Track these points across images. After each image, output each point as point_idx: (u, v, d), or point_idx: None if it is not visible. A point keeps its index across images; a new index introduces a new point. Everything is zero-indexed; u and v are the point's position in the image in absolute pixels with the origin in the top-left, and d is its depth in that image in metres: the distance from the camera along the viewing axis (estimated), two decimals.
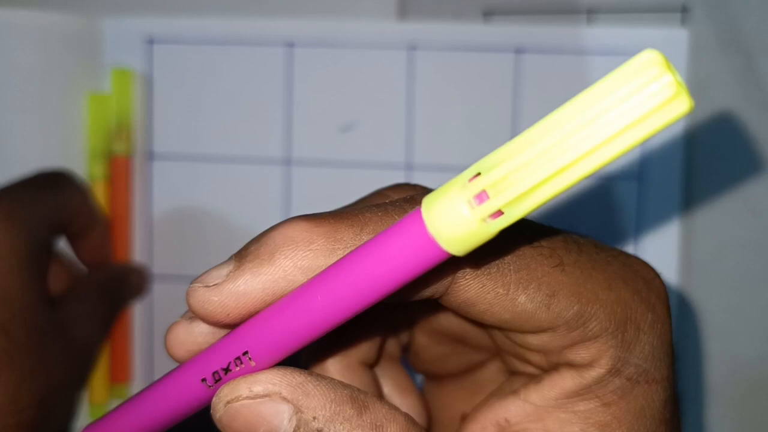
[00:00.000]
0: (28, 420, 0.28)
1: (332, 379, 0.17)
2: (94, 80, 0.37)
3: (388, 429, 0.17)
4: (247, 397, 0.17)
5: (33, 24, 0.36)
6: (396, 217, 0.17)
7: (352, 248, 0.17)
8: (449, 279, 0.17)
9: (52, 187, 0.33)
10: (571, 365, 0.18)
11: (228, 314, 0.17)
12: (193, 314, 0.18)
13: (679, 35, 0.36)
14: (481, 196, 0.14)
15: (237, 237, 0.38)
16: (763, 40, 0.37)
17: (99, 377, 0.38)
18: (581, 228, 0.37)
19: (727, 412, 0.38)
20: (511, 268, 0.17)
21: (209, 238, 0.38)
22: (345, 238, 0.17)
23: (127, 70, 0.37)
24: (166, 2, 0.38)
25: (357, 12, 0.37)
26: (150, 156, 0.38)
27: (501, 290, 0.17)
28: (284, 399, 0.17)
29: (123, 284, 0.36)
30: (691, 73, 0.37)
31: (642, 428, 0.18)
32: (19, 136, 0.36)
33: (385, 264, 0.15)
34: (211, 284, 0.17)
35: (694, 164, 0.37)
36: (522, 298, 0.17)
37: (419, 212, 0.15)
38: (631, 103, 0.13)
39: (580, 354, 0.18)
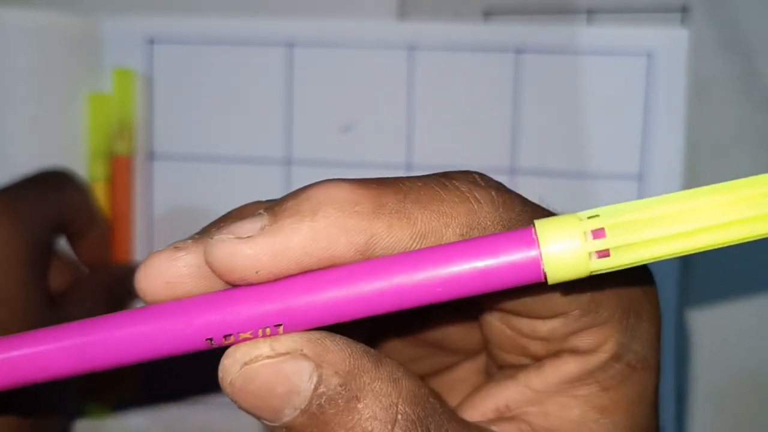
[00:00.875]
0: (27, 420, 0.28)
1: (341, 336, 0.16)
2: (94, 80, 0.37)
3: (404, 383, 0.17)
4: (268, 357, 0.16)
5: (33, 24, 0.36)
6: (437, 188, 0.17)
7: (396, 214, 0.16)
8: None
9: (52, 187, 0.33)
10: (574, 351, 0.18)
11: (257, 271, 0.16)
12: (212, 266, 0.16)
13: (679, 35, 0.37)
14: (598, 233, 0.15)
15: None
16: (763, 40, 0.37)
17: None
18: None
19: (726, 415, 0.38)
20: None
21: None
22: (389, 204, 0.16)
23: (129, 70, 0.37)
24: (166, 2, 0.38)
25: (357, 12, 0.37)
26: (150, 156, 0.38)
27: None
28: (305, 356, 0.16)
29: (123, 285, 0.36)
30: (692, 73, 0.37)
31: (638, 412, 0.18)
32: (20, 136, 0.37)
33: (476, 270, 0.15)
34: (244, 236, 0.16)
35: (694, 164, 0.37)
36: None
37: (531, 230, 0.15)
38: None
39: (586, 339, 0.18)
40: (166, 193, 0.38)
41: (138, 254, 0.38)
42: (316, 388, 0.16)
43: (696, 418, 0.38)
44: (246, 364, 0.16)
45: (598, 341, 0.18)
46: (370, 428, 0.16)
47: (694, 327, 0.38)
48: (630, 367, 0.18)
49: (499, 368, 0.21)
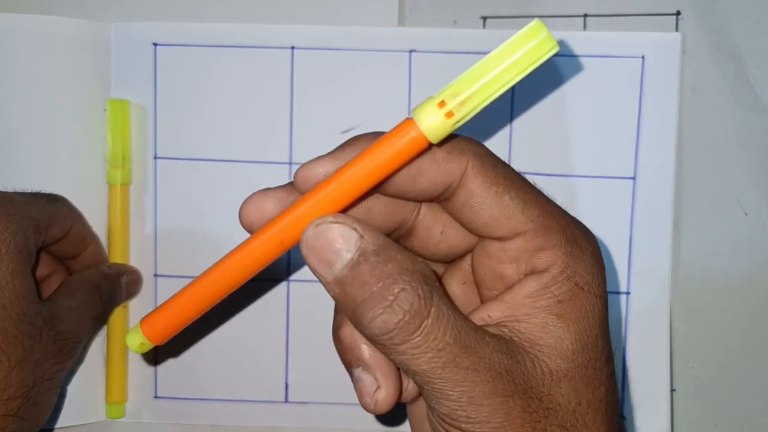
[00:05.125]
0: (14, 409, 0.30)
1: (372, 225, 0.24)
2: (107, 85, 0.38)
3: (419, 263, 0.24)
4: (332, 222, 0.23)
5: (48, 29, 0.37)
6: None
7: None
8: (460, 175, 0.25)
9: (44, 198, 0.34)
10: (534, 271, 0.25)
11: (324, 174, 0.25)
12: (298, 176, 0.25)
13: (672, 39, 0.37)
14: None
15: (238, 237, 0.38)
16: (754, 44, 0.37)
17: (117, 377, 0.38)
18: None
19: (717, 408, 0.39)
20: (501, 174, 0.25)
21: (212, 238, 0.39)
22: None
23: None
24: (172, 9, 0.38)
25: (359, 18, 0.38)
26: (154, 157, 0.39)
27: (495, 188, 0.25)
28: (354, 228, 0.23)
29: (115, 283, 0.37)
30: (684, 75, 0.37)
31: (586, 325, 0.24)
32: (39, 141, 0.37)
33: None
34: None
35: (686, 165, 0.38)
36: (506, 197, 0.25)
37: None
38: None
39: (541, 258, 0.24)
40: (169, 193, 0.39)
41: (142, 254, 0.39)
42: (358, 249, 0.23)
43: (684, 411, 0.39)
44: (317, 225, 0.23)
45: (550, 260, 0.24)
46: (390, 281, 0.23)
47: (683, 324, 0.38)
48: (578, 287, 0.24)
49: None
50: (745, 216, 0.38)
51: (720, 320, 0.38)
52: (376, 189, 0.25)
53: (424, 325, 0.23)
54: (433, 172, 0.25)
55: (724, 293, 0.38)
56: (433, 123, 0.23)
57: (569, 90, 0.37)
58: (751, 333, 0.38)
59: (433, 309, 0.23)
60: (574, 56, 0.37)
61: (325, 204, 0.24)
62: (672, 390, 0.38)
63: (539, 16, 0.38)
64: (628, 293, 0.38)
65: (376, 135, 0.25)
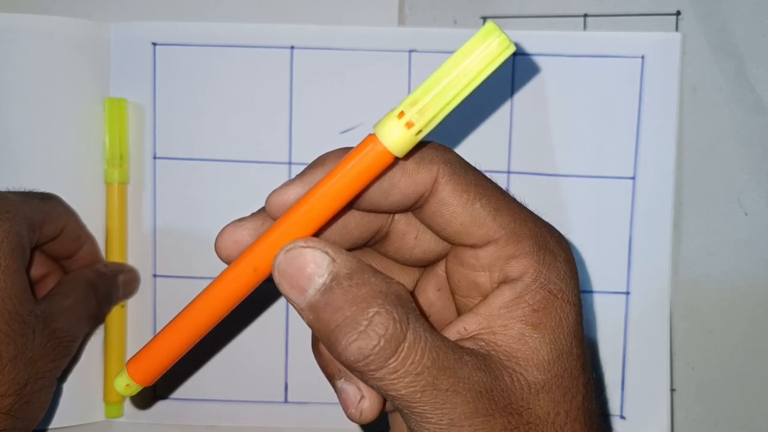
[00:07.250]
0: (6, 407, 0.30)
1: (352, 253, 0.24)
2: (106, 84, 0.38)
3: (394, 284, 0.23)
4: (302, 246, 0.23)
5: (47, 28, 0.37)
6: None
7: None
8: (431, 184, 0.24)
9: (37, 196, 0.34)
10: (507, 281, 0.24)
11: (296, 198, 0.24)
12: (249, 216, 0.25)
13: (672, 39, 0.37)
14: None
15: None
16: (754, 44, 0.37)
17: (115, 376, 0.38)
18: (577, 224, 0.37)
19: (717, 408, 0.39)
20: (472, 182, 0.25)
21: (211, 239, 0.39)
22: None
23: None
24: (171, 9, 0.38)
25: (360, 18, 0.38)
26: (153, 157, 0.39)
27: (466, 195, 0.24)
28: (325, 252, 0.23)
29: (111, 282, 0.37)
30: (684, 75, 0.37)
31: (560, 334, 0.24)
32: (37, 140, 0.37)
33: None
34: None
35: (687, 164, 0.38)
36: (477, 205, 0.24)
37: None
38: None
39: (514, 266, 0.24)
40: (168, 193, 0.39)
41: (142, 254, 0.39)
42: (330, 273, 0.22)
43: (684, 411, 0.39)
44: (288, 250, 0.23)
45: (523, 268, 0.24)
46: (364, 304, 0.22)
47: (683, 324, 0.38)
48: (552, 294, 0.24)
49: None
50: (745, 216, 0.38)
51: (720, 320, 0.38)
52: (349, 207, 0.24)
53: (400, 349, 0.22)
54: (405, 184, 0.24)
55: (725, 293, 0.38)
56: (396, 137, 0.22)
57: (569, 90, 0.37)
58: (751, 333, 0.38)
59: (409, 332, 0.22)
60: (574, 56, 0.37)
61: (297, 228, 0.23)
62: (672, 390, 0.38)
63: (539, 16, 0.38)
64: (628, 293, 0.38)
65: (345, 151, 0.24)
